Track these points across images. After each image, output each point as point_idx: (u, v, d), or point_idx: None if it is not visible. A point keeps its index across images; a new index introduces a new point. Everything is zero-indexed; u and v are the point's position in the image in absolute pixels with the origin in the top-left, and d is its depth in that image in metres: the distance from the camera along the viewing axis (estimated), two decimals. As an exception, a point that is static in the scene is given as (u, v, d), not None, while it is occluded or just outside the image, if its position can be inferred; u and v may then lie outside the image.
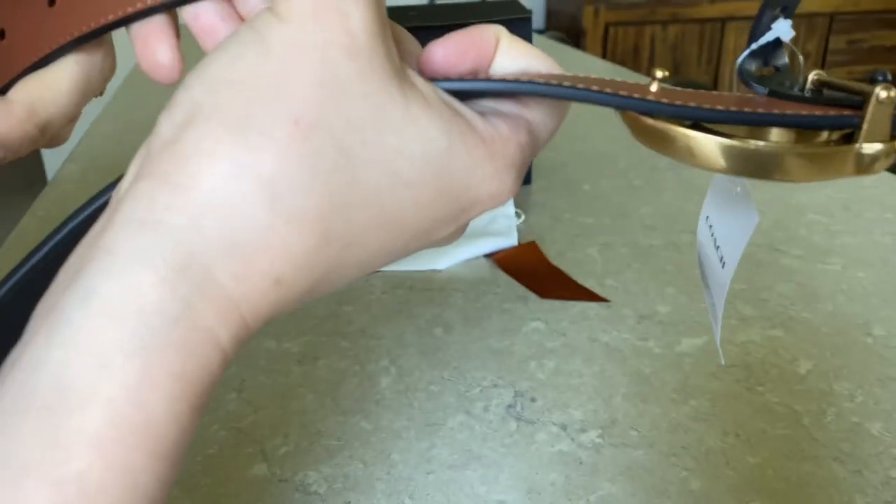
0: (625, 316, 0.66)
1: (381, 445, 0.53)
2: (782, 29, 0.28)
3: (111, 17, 0.28)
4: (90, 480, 0.19)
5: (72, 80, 0.31)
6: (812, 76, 0.27)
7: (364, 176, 0.22)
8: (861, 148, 0.25)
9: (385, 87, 0.23)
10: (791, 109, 0.26)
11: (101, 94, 0.33)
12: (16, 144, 0.30)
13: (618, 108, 0.26)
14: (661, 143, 0.26)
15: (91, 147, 1.10)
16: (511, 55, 0.27)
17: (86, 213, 0.26)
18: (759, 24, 0.28)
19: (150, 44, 0.28)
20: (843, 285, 0.70)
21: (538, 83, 0.25)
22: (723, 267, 0.31)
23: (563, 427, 0.54)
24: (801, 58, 0.28)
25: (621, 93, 0.25)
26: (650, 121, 0.26)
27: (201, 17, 0.28)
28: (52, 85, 0.30)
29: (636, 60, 2.66)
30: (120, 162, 0.41)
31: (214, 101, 0.22)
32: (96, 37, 0.29)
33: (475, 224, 0.76)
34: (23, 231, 0.85)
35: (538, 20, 2.88)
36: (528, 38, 0.79)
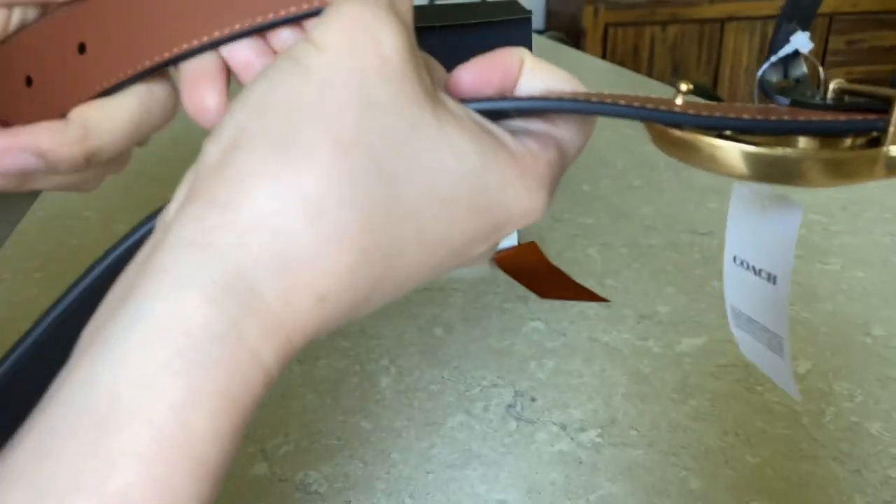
0: (624, 316, 0.66)
1: (381, 445, 0.53)
2: (801, 41, 0.28)
3: (166, 55, 0.29)
4: (134, 496, 0.19)
5: (130, 114, 0.31)
6: (833, 84, 0.28)
7: (402, 192, 0.23)
8: (889, 151, 0.25)
9: (418, 106, 0.23)
10: (820, 117, 0.26)
11: (143, 143, 0.33)
12: (59, 164, 0.30)
13: (645, 120, 0.27)
14: (686, 153, 0.26)
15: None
16: (536, 76, 0.28)
17: (129, 242, 0.27)
18: (777, 37, 0.28)
19: (200, 86, 0.29)
20: (842, 285, 0.70)
21: (565, 100, 0.26)
22: (774, 283, 0.31)
23: (563, 426, 0.54)
24: (820, 68, 0.29)
25: (648, 106, 0.26)
26: (676, 132, 0.26)
27: (238, 53, 0.29)
28: (112, 114, 0.30)
29: (636, 61, 2.66)
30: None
31: (258, 125, 0.22)
32: (151, 74, 0.30)
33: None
34: (23, 231, 0.85)
35: (538, 20, 2.89)
36: (527, 39, 0.79)
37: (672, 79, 2.50)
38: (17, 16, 0.31)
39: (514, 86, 0.28)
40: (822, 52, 2.77)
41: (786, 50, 0.28)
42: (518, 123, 0.27)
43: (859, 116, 0.26)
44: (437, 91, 0.25)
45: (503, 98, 0.27)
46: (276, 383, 0.23)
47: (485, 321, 0.66)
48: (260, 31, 0.29)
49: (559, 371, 0.60)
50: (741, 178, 0.26)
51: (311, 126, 0.22)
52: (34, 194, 0.94)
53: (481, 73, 0.27)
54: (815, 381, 0.57)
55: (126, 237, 0.27)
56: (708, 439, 0.52)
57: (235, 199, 0.22)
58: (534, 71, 0.28)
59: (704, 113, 0.26)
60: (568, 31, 2.65)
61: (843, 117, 0.26)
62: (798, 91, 0.29)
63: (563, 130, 0.28)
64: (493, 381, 0.59)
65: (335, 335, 0.65)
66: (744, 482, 0.49)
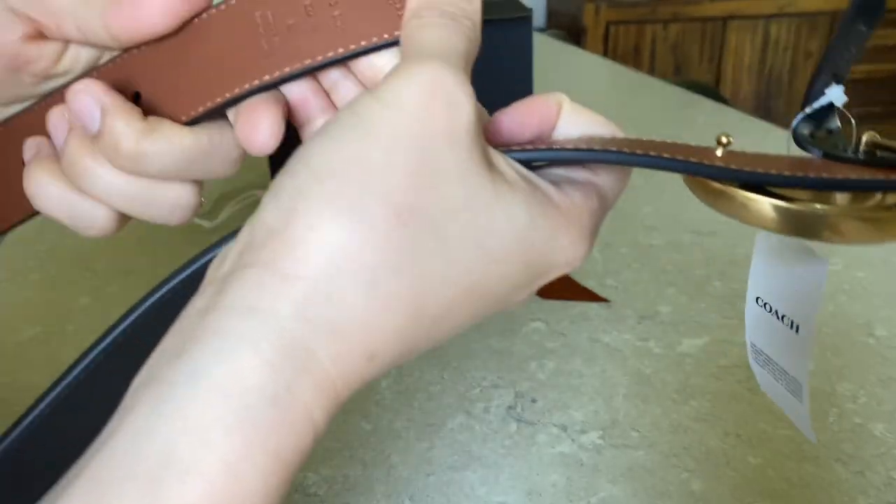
0: (625, 316, 0.66)
1: (380, 446, 0.53)
2: (836, 94, 0.29)
3: (218, 100, 0.30)
4: None
5: (187, 149, 0.30)
6: (865, 138, 0.28)
7: (456, 256, 0.24)
8: None
9: (478, 172, 0.24)
10: (854, 173, 0.26)
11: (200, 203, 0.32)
12: (112, 140, 0.29)
13: (688, 174, 0.28)
14: (719, 201, 0.27)
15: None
16: (573, 120, 0.28)
17: (176, 280, 0.28)
18: (812, 90, 0.29)
19: (256, 113, 0.29)
20: (844, 285, 0.69)
21: (610, 151, 0.26)
22: (797, 332, 0.31)
23: (564, 428, 0.54)
24: (853, 121, 0.29)
25: (692, 160, 0.26)
26: (715, 183, 0.27)
27: (292, 88, 0.30)
28: (172, 139, 0.30)
29: (637, 59, 2.66)
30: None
31: (321, 190, 0.23)
32: (204, 119, 0.30)
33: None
34: (20, 232, 0.85)
35: (539, 19, 2.88)
36: (528, 38, 0.79)
37: (674, 77, 2.50)
38: (70, 52, 0.31)
39: (552, 130, 0.28)
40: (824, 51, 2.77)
41: (821, 102, 0.29)
42: (560, 171, 0.28)
43: (894, 175, 0.26)
44: (489, 149, 0.25)
45: (549, 149, 0.27)
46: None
47: (485, 321, 0.66)
48: (310, 72, 0.30)
49: (560, 372, 0.59)
50: (772, 230, 0.26)
51: (374, 194, 0.22)
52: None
53: (520, 117, 0.28)
54: (818, 382, 0.57)
55: (177, 273, 0.28)
56: (709, 440, 0.52)
57: (295, 268, 0.22)
58: (572, 115, 0.28)
59: (747, 169, 0.26)
60: (569, 30, 2.64)
61: (879, 175, 0.26)
62: (831, 143, 0.29)
63: (604, 178, 0.28)
64: (493, 381, 0.59)
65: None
66: (745, 483, 0.49)
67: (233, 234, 0.26)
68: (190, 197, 0.30)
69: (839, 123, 0.29)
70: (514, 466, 0.51)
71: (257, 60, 0.29)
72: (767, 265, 0.32)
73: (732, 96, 2.67)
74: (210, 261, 0.26)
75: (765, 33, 2.71)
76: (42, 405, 0.28)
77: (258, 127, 0.29)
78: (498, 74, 0.64)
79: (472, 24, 0.27)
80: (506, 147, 0.27)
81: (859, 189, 0.27)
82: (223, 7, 0.30)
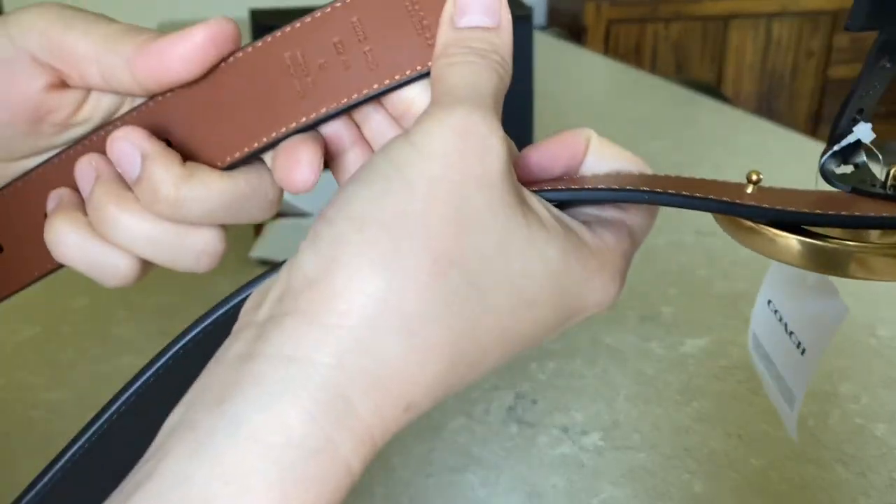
0: (627, 317, 0.66)
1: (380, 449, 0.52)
2: (863, 131, 0.29)
3: (255, 145, 0.30)
4: None
5: (233, 194, 0.30)
6: (893, 172, 0.28)
7: (492, 302, 0.24)
8: None
9: (511, 215, 0.24)
10: (884, 210, 0.27)
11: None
12: (151, 183, 0.29)
13: (719, 213, 0.28)
14: (748, 238, 0.28)
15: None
16: (601, 156, 0.29)
17: (211, 318, 0.29)
18: (838, 126, 0.29)
19: (296, 152, 0.29)
20: (847, 285, 0.69)
21: (643, 191, 0.27)
22: (803, 353, 0.31)
23: (565, 429, 0.54)
24: (880, 156, 0.30)
25: (725, 199, 0.27)
26: (745, 221, 0.28)
27: (327, 126, 0.30)
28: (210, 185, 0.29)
29: (638, 58, 2.66)
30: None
31: (361, 240, 0.23)
32: (239, 165, 0.30)
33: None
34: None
35: (539, 17, 2.88)
36: (528, 37, 0.79)
37: (676, 76, 2.49)
38: (91, 100, 0.31)
39: (580, 165, 0.28)
40: (827, 50, 2.76)
41: (849, 139, 0.29)
42: (591, 211, 0.28)
43: None
44: (523, 191, 0.25)
45: (582, 188, 0.27)
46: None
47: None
48: (346, 111, 0.29)
49: (561, 373, 0.59)
50: (800, 266, 0.27)
51: (413, 245, 0.23)
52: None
53: (549, 153, 0.28)
54: (820, 382, 0.57)
55: (209, 313, 0.28)
56: (711, 442, 0.52)
57: (335, 319, 0.22)
58: (599, 150, 0.29)
59: (778, 207, 0.27)
60: (570, 28, 2.64)
61: None
62: (857, 178, 0.30)
63: (634, 216, 0.28)
64: (493, 383, 0.58)
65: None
66: (747, 485, 0.48)
67: (264, 275, 0.27)
68: (217, 243, 0.30)
69: (865, 158, 0.30)
70: (515, 468, 0.50)
71: (293, 102, 0.29)
72: (787, 279, 0.32)
73: (734, 95, 2.67)
74: (243, 300, 0.26)
75: (766, 32, 2.70)
76: (74, 448, 0.28)
77: (298, 167, 0.28)
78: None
79: (501, 59, 0.27)
80: (538, 186, 0.27)
81: (889, 227, 0.27)
82: (250, 50, 0.29)
